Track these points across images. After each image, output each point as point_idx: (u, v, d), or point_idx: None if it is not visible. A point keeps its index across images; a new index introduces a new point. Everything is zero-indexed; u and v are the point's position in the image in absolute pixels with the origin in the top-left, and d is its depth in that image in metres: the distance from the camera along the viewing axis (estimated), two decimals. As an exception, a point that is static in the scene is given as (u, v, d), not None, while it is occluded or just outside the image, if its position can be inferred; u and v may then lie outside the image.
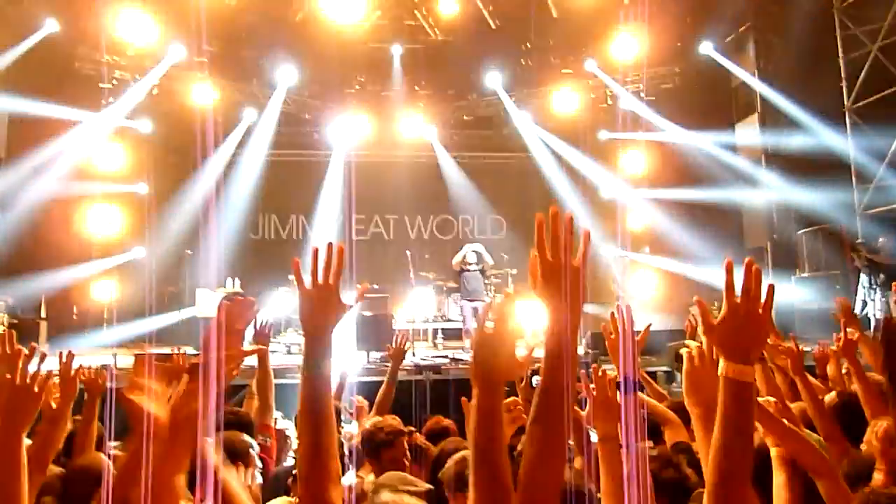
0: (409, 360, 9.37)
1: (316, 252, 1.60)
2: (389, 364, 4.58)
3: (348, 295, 1.63)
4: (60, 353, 2.24)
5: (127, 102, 12.06)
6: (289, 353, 10.82)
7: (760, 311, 1.38)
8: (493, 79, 13.91)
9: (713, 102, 13.92)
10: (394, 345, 4.61)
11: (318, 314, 1.58)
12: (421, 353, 10.33)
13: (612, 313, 2.30)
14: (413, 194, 14.93)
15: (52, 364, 2.21)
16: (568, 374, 1.33)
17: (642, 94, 13.58)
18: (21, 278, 10.84)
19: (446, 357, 9.67)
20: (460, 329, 11.39)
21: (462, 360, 9.34)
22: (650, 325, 2.52)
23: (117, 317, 11.47)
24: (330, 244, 1.62)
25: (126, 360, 8.80)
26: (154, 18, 11.52)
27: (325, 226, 14.54)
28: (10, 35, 10.96)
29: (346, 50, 12.75)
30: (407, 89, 14.07)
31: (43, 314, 11.50)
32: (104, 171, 12.11)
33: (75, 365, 2.62)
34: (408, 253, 11.31)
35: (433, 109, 14.39)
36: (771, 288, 1.39)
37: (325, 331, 1.58)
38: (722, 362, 1.37)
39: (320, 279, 1.59)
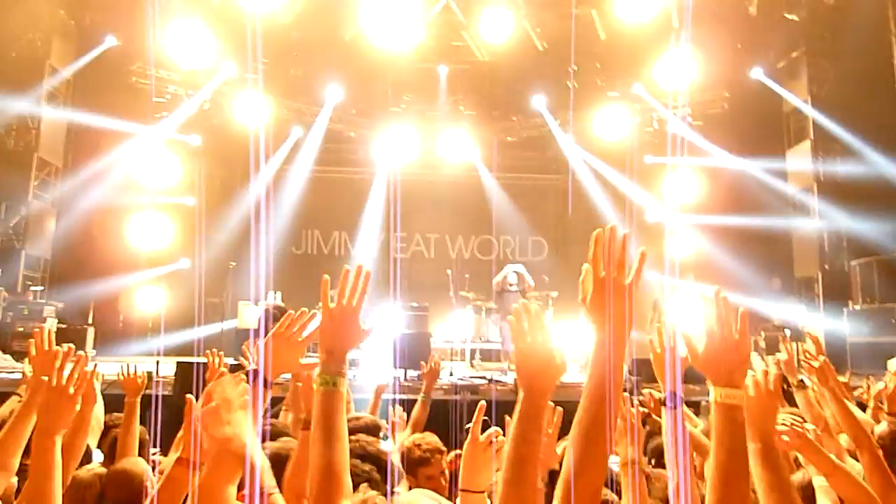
0: (445, 380, 9.33)
1: (346, 274, 1.65)
2: (423, 383, 4.57)
3: (371, 319, 1.69)
4: (75, 356, 2.25)
5: (179, 116, 12.40)
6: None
7: (737, 335, 1.46)
8: (539, 101, 13.95)
9: (764, 128, 13.65)
10: (427, 365, 4.61)
11: (338, 334, 1.62)
12: (459, 373, 10.23)
13: (659, 328, 2.25)
14: (455, 214, 14.95)
15: (100, 369, 2.21)
16: (613, 390, 1.35)
17: (690, 119, 13.47)
18: (71, 285, 11.13)
19: (484, 378, 9.53)
20: (499, 350, 11.26)
21: (500, 381, 9.24)
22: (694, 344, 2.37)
23: (163, 326, 11.65)
24: (359, 267, 1.67)
25: (169, 367, 8.90)
26: (208, 34, 11.82)
27: (367, 243, 14.66)
28: (73, 50, 11.37)
29: (393, 69, 12.89)
30: (452, 109, 14.16)
31: (90, 321, 11.77)
32: (155, 182, 12.39)
33: (116, 368, 2.64)
34: (449, 272, 11.26)
35: (477, 130, 14.42)
36: (744, 314, 1.50)
37: (342, 351, 1.61)
38: (711, 387, 1.43)
39: (345, 301, 1.63)
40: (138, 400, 3.34)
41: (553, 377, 1.44)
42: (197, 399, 1.65)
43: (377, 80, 13.24)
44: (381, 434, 4.23)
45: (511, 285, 10.85)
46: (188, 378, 7.15)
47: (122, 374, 3.37)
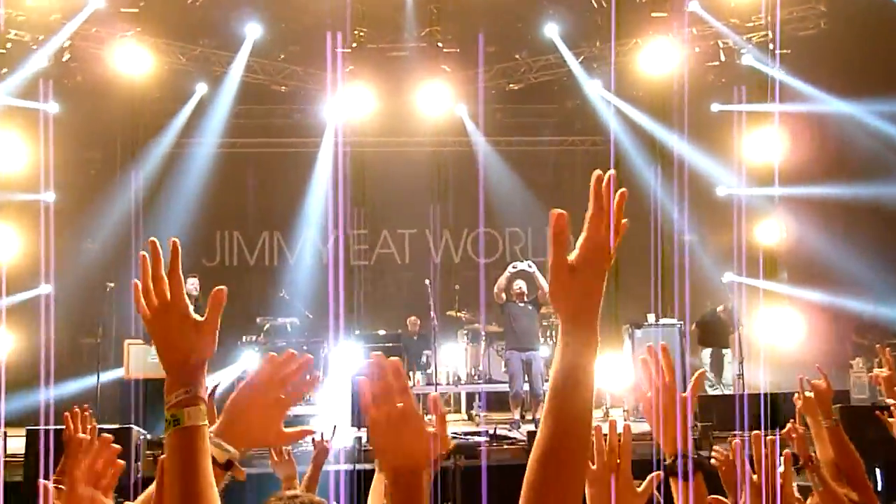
0: None
1: (143, 259, 1.70)
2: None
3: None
4: None
5: (26, 74, 12.11)
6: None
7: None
8: (552, 30, 13.88)
9: (878, 56, 13.57)
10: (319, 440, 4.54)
11: (173, 341, 1.67)
12: (449, 430, 10.11)
13: (646, 355, 2.24)
14: (437, 199, 14.89)
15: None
16: (580, 416, 1.55)
17: (772, 46, 13.41)
18: None
19: (485, 434, 9.59)
20: (505, 392, 11.19)
21: (509, 438, 9.43)
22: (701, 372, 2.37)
23: (11, 381, 11.44)
24: (172, 242, 1.73)
25: (18, 441, 8.68)
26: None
27: (311, 247, 14.75)
28: None
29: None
30: (426, 47, 14.03)
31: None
32: (-6, 172, 12.16)
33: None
34: (427, 283, 11.14)
35: (464, 75, 14.31)
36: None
37: (187, 365, 1.65)
38: None
39: (157, 295, 1.67)
40: None
41: (424, 450, 1.49)
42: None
43: (314, 9, 13.08)
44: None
45: (519, 295, 10.73)
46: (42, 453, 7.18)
47: None
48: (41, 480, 1.73)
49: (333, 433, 4.63)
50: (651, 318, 11.84)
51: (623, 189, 1.61)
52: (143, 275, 1.68)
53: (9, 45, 12.20)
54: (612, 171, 1.60)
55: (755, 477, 2.15)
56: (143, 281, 1.68)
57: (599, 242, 1.59)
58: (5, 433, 8.97)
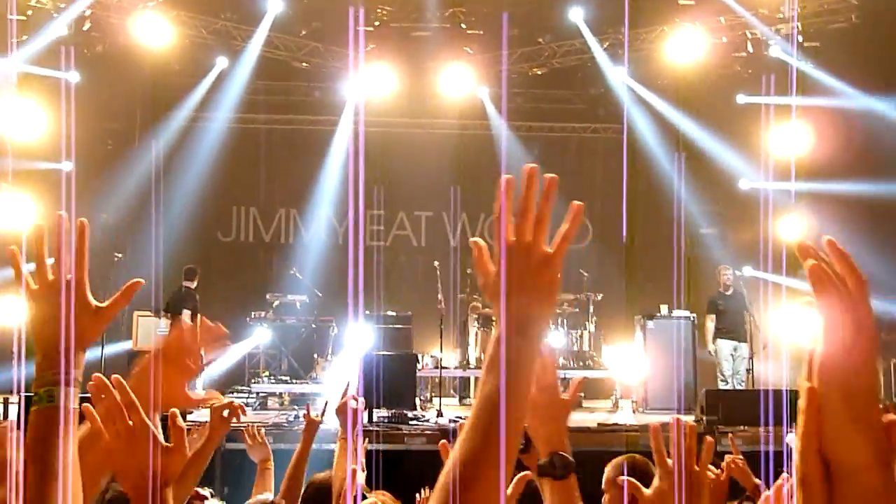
0: (432, 421, 9.69)
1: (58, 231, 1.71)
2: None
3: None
4: None
5: (45, 42, 12.09)
6: (262, 407, 11.17)
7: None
8: (576, 14, 13.74)
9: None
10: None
11: (50, 319, 1.67)
12: (454, 413, 10.32)
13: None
14: (456, 181, 14.88)
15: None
16: (507, 412, 1.32)
17: (800, 38, 13.35)
18: None
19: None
20: None
21: None
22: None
23: (22, 349, 11.47)
24: (76, 222, 1.74)
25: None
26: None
27: (327, 225, 14.78)
28: None
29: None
30: (449, 27, 14.02)
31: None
32: (12, 140, 12.13)
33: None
34: (436, 265, 11.09)
35: (486, 58, 14.26)
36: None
37: (59, 347, 1.64)
38: None
39: (50, 274, 1.70)
40: None
41: (159, 465, 1.57)
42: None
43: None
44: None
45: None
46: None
47: None
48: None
49: (325, 410, 4.55)
50: (664, 309, 11.68)
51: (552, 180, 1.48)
52: (41, 247, 1.70)
53: (29, 11, 12.16)
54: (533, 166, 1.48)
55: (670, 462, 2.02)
56: (40, 253, 1.70)
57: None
58: (20, 400, 9.01)
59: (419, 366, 10.99)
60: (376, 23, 14.01)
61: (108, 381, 1.68)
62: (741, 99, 13.88)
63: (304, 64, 14.52)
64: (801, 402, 1.19)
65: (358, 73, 13.92)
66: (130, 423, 1.67)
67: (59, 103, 12.59)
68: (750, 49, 13.88)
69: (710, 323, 11.83)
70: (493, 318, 1.66)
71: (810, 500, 1.21)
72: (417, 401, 10.69)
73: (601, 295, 12.17)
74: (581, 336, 12.37)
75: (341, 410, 4.31)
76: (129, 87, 13.29)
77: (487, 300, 1.56)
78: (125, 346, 11.38)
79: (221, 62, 13.97)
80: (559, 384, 2.07)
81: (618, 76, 14.16)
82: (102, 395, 1.67)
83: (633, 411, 11.21)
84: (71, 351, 1.65)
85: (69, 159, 12.67)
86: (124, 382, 1.68)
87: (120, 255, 11.53)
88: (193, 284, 11.72)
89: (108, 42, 13.04)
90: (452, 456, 1.35)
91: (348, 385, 4.44)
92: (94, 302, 1.72)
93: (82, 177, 12.73)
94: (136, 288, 1.76)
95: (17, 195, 12.25)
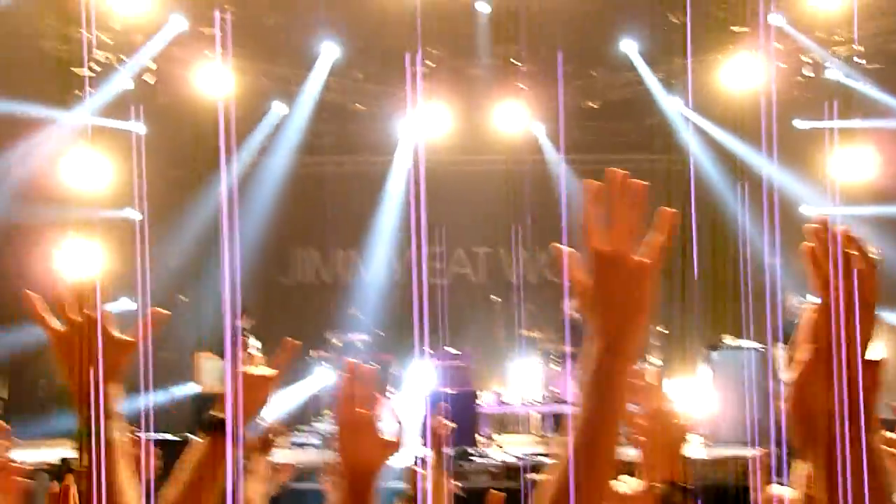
0: (497, 458, 9.70)
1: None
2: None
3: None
4: None
5: (112, 94, 12.46)
6: (326, 446, 11.08)
7: None
8: (629, 45, 13.88)
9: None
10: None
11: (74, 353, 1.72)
12: (517, 449, 10.37)
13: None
14: (514, 216, 14.75)
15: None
16: (603, 436, 1.31)
17: (861, 60, 13.13)
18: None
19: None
20: None
21: None
22: None
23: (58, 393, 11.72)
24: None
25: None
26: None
27: (385, 264, 14.76)
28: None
29: (413, 12, 12.72)
30: (501, 65, 14.10)
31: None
32: (80, 190, 12.43)
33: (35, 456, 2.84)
34: (495, 300, 11.04)
35: (540, 93, 14.23)
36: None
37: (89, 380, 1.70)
38: None
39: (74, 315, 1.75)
40: None
41: (381, 453, 1.67)
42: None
43: (390, 29, 13.04)
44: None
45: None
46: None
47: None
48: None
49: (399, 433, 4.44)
50: (729, 339, 11.46)
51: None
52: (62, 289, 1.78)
53: (96, 66, 12.51)
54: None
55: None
56: (58, 296, 1.77)
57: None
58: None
59: (480, 403, 10.93)
60: (430, 63, 14.15)
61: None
62: (800, 124, 13.69)
63: (359, 105, 14.70)
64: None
65: (413, 114, 14.06)
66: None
67: (126, 153, 12.92)
68: (807, 73, 13.70)
69: (781, 352, 11.56)
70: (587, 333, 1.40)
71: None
72: (479, 438, 10.63)
73: (663, 327, 12.01)
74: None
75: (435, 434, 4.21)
76: (192, 134, 13.53)
77: (581, 312, 1.41)
78: (192, 388, 11.50)
79: (279, 106, 14.21)
80: (671, 409, 2.01)
81: (673, 106, 14.14)
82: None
83: (704, 446, 10.96)
84: (100, 385, 1.70)
85: (136, 207, 13.01)
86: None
87: (185, 299, 11.70)
88: (246, 324, 11.82)
89: (171, 93, 13.39)
90: (545, 479, 1.34)
91: (401, 426, 4.38)
92: (117, 335, 1.78)
93: (145, 223, 12.97)
94: (157, 317, 1.84)
95: (86, 242, 12.54)
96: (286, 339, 1.99)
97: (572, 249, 1.43)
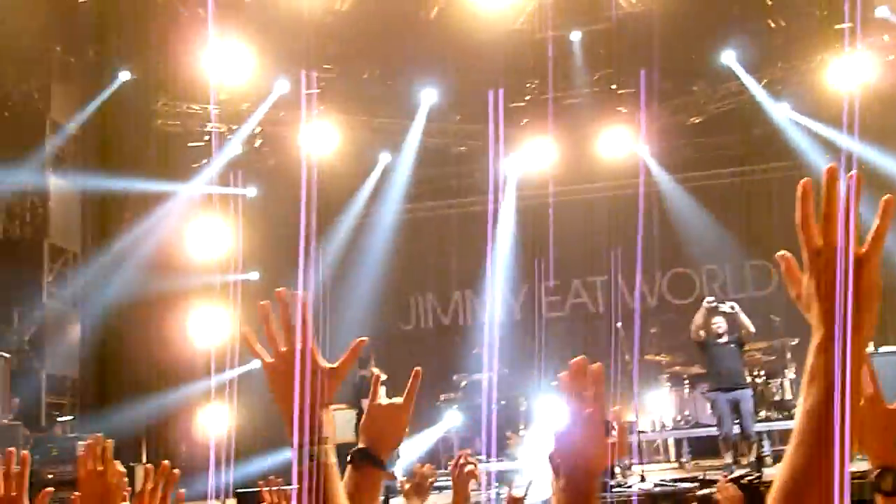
0: (638, 487, 9.45)
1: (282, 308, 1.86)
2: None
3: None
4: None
5: (224, 162, 12.93)
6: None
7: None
8: (729, 56, 13.60)
9: None
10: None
11: (287, 381, 1.79)
12: (656, 477, 10.02)
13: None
14: (626, 242, 14.52)
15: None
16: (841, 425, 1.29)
17: None
18: (109, 409, 11.60)
19: (695, 481, 9.21)
20: (715, 436, 10.69)
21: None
22: None
23: (232, 453, 11.90)
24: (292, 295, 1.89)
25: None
26: (248, 48, 12.26)
27: (502, 302, 14.70)
28: (77, 95, 12.16)
29: (504, 48, 12.84)
30: (599, 91, 14.11)
31: (144, 458, 12.22)
32: (202, 257, 12.84)
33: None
34: (618, 326, 10.87)
35: (641, 114, 13.99)
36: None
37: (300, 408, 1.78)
38: None
39: (282, 346, 1.84)
40: None
41: (601, 457, 1.60)
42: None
43: (483, 68, 13.14)
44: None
45: (719, 335, 10.26)
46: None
47: None
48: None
49: (528, 489, 4.40)
50: (869, 346, 10.97)
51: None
52: (271, 322, 1.85)
53: (206, 137, 13.00)
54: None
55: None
56: (270, 328, 1.85)
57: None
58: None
59: (612, 431, 10.70)
60: (527, 97, 14.24)
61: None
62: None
63: (461, 147, 14.84)
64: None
65: (514, 150, 14.11)
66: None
67: (245, 218, 13.34)
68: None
69: None
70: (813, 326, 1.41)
71: None
72: (617, 468, 10.41)
73: (796, 339, 11.59)
74: (781, 384, 11.80)
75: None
76: (301, 194, 13.89)
77: (803, 311, 1.39)
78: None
79: (384, 157, 14.44)
80: (881, 393, 1.94)
81: (781, 112, 13.81)
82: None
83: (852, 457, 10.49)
84: (316, 412, 1.79)
85: (254, 269, 13.36)
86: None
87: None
88: (368, 372, 11.91)
89: (279, 154, 13.74)
90: (779, 476, 1.33)
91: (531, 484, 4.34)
92: (325, 363, 1.86)
93: (265, 284, 13.25)
94: (362, 346, 1.93)
95: (212, 308, 12.91)
96: (415, 368, 2.02)
97: (791, 255, 1.44)
